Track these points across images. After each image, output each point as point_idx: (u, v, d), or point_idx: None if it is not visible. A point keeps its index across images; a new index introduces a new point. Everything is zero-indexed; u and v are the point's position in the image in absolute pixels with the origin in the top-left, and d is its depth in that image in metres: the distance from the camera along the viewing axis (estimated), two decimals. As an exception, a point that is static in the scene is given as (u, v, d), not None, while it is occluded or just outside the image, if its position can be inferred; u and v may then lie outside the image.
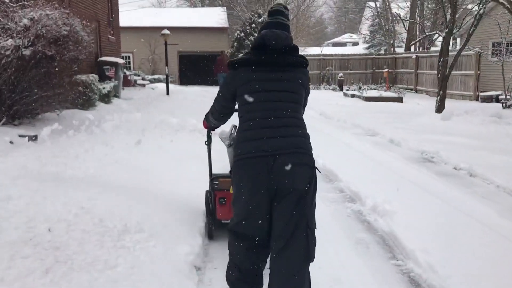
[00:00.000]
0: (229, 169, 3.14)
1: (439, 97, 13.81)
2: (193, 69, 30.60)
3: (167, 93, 18.72)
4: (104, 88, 13.11)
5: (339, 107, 15.29)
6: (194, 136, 8.19)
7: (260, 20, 24.61)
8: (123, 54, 22.94)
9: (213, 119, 3.09)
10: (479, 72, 17.63)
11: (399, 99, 18.13)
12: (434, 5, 27.86)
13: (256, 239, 2.64)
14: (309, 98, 2.93)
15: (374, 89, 22.50)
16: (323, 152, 7.42)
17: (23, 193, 4.02)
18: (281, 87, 2.60)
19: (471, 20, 14.97)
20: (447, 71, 13.77)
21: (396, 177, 6.22)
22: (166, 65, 19.89)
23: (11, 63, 7.21)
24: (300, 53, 2.73)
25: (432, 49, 27.45)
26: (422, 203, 5.06)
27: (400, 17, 29.67)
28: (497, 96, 16.20)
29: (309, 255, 2.59)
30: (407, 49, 29.60)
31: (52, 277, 2.79)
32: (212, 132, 3.62)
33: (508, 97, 14.05)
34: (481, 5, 13.31)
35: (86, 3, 15.10)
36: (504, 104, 14.04)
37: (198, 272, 3.41)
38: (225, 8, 32.85)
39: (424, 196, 5.35)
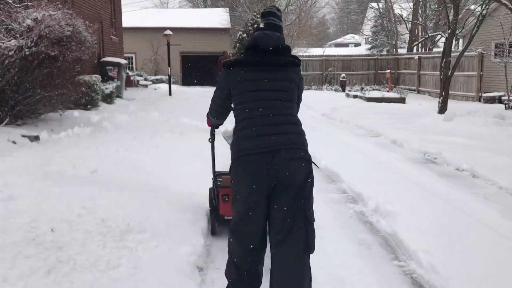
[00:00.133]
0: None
1: (441, 98, 13.78)
2: (196, 70, 30.60)
3: (170, 94, 18.75)
4: (106, 88, 13.13)
5: (341, 108, 15.26)
6: (196, 136, 8.19)
7: (262, 21, 24.60)
8: (125, 55, 22.97)
9: (212, 118, 3.17)
10: (481, 73, 17.59)
11: (402, 100, 18.11)
12: (436, 6, 27.80)
13: (255, 238, 2.67)
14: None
15: (376, 89, 22.48)
16: (325, 153, 7.43)
17: (26, 193, 4.03)
18: (274, 86, 2.68)
19: (474, 21, 14.94)
20: (450, 72, 13.75)
21: (398, 178, 6.21)
22: (169, 65, 19.91)
23: (14, 64, 7.23)
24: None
25: (435, 50, 27.39)
26: (424, 204, 5.05)
27: (402, 18, 29.62)
28: (500, 97, 16.17)
29: (309, 246, 2.63)
30: (410, 50, 29.56)
31: (55, 277, 2.80)
32: (215, 130, 3.67)
33: (511, 98, 14.02)
34: (484, 6, 13.29)
35: (89, 4, 15.13)
36: (507, 105, 14.02)
37: (200, 272, 3.42)
38: (227, 8, 32.86)
39: (427, 197, 5.34)
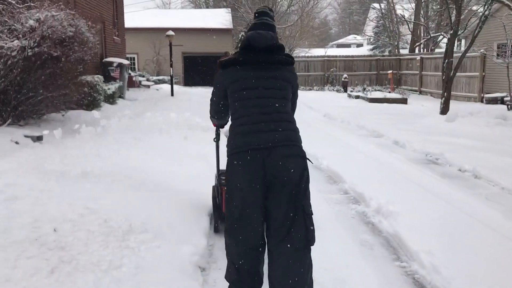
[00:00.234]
0: None
1: (443, 98, 13.77)
2: (198, 70, 30.64)
3: (172, 94, 18.77)
4: (109, 89, 13.16)
5: (343, 108, 15.26)
6: (198, 136, 8.20)
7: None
8: (128, 55, 23.00)
9: (213, 118, 3.21)
10: (484, 73, 17.56)
11: (404, 101, 18.10)
12: (438, 7, 27.78)
13: (254, 236, 2.68)
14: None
15: (378, 90, 22.47)
16: (327, 153, 7.43)
17: (28, 193, 4.04)
18: (269, 84, 2.73)
19: (476, 21, 14.93)
20: (452, 72, 13.73)
21: (400, 179, 6.21)
22: (171, 66, 19.93)
23: (17, 64, 7.25)
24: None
25: (437, 50, 27.37)
26: (426, 205, 5.05)
27: (404, 18, 29.62)
28: (502, 97, 16.14)
29: (309, 239, 2.66)
30: (412, 50, 29.54)
31: (57, 277, 2.81)
32: (220, 129, 3.72)
33: (513, 98, 14.00)
34: (486, 6, 13.28)
35: (92, 4, 15.17)
36: (509, 106, 14.00)
37: (202, 272, 3.43)
38: (229, 9, 32.85)
39: (429, 198, 5.34)
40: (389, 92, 21.47)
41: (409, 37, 31.95)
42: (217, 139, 3.95)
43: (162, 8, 49.90)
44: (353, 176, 6.12)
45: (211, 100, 3.02)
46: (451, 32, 13.90)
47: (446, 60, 13.77)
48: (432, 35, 26.24)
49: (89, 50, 8.71)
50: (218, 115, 3.08)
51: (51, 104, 8.20)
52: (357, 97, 19.94)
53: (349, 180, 6.00)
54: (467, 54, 15.16)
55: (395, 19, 31.58)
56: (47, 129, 7.08)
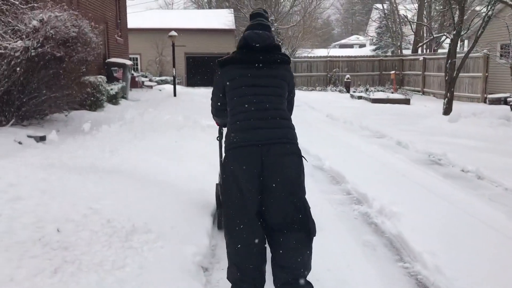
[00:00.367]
0: None
1: (446, 99, 13.75)
2: (200, 71, 30.67)
3: (174, 95, 18.79)
4: (112, 89, 13.18)
5: (345, 109, 15.24)
6: (200, 135, 8.21)
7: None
8: (130, 56, 23.04)
9: (215, 117, 3.29)
10: (487, 74, 17.53)
11: (406, 101, 18.07)
12: (441, 7, 27.72)
13: (253, 232, 2.70)
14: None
15: (381, 91, 22.45)
16: (329, 154, 7.43)
17: (32, 193, 4.05)
18: (266, 82, 2.80)
19: (479, 22, 14.88)
20: (455, 73, 13.70)
21: (403, 179, 6.20)
22: (174, 66, 19.95)
23: (20, 64, 7.27)
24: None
25: (440, 51, 27.31)
26: (429, 205, 5.04)
27: (407, 19, 29.53)
28: (506, 98, 16.11)
29: (311, 231, 2.72)
30: (415, 51, 29.48)
31: (61, 277, 2.82)
32: (223, 128, 3.75)
33: (516, 99, 13.97)
34: (489, 7, 13.25)
35: (95, 5, 15.20)
36: (512, 106, 13.97)
37: (205, 272, 3.43)
38: (232, 10, 32.90)
39: (431, 198, 5.33)
40: (392, 92, 21.44)
41: (411, 37, 31.90)
42: (220, 138, 3.99)
43: (165, 8, 49.99)
44: (356, 176, 6.11)
45: (212, 100, 3.08)
46: (454, 32, 13.87)
47: (449, 61, 13.75)
48: (435, 35, 26.16)
49: (92, 50, 8.73)
50: (219, 114, 3.13)
51: (54, 104, 8.22)
52: (360, 97, 19.92)
53: (351, 180, 5.99)
54: (470, 55, 15.12)
55: (398, 20, 31.55)
56: (51, 130, 7.10)
